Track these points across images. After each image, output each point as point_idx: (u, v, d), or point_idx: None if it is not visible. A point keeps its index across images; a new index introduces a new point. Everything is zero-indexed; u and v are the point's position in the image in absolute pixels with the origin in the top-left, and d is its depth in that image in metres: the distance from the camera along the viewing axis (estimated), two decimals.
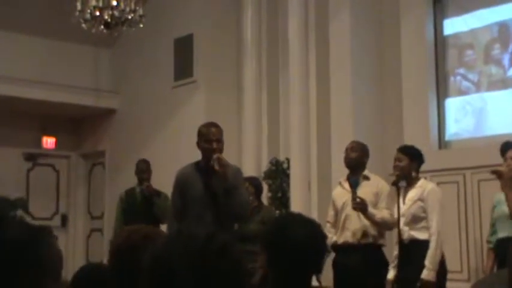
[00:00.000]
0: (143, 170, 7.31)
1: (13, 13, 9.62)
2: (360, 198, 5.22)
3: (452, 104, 7.81)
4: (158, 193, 7.21)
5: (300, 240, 2.29)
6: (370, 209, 5.23)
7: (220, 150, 4.70)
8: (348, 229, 5.39)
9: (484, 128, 7.54)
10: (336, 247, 5.40)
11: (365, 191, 5.36)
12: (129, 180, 7.97)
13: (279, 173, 8.48)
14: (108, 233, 10.02)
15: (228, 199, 4.66)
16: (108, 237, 9.88)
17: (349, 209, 5.35)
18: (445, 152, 7.67)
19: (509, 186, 4.87)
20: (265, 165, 8.65)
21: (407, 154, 5.32)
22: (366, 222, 5.30)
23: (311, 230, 2.35)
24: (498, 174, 4.93)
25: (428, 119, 7.68)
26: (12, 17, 9.66)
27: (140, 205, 7.11)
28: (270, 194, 8.44)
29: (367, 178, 5.50)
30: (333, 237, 5.38)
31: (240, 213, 4.83)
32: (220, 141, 4.72)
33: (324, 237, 2.45)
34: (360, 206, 5.20)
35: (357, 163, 5.54)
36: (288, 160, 8.38)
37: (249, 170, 8.31)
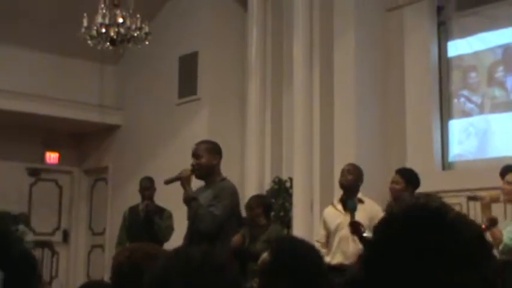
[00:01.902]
0: (145, 187, 7.25)
1: (19, 28, 9.67)
2: (358, 222, 5.23)
3: (455, 125, 7.82)
4: (162, 210, 7.16)
5: (301, 266, 2.29)
6: (367, 234, 5.23)
7: (197, 165, 4.88)
8: (343, 251, 5.39)
9: (488, 149, 7.55)
10: (329, 269, 5.37)
11: (360, 214, 5.35)
12: (132, 196, 7.97)
13: (281, 192, 8.47)
14: (109, 249, 10.00)
15: (190, 212, 4.84)
16: (109, 254, 9.87)
17: (344, 232, 5.34)
18: (448, 173, 7.66)
19: (488, 211, 4.99)
20: (268, 184, 8.64)
21: (405, 177, 5.34)
22: (360, 245, 5.29)
23: (312, 256, 2.35)
24: (477, 200, 5.02)
25: (431, 140, 7.69)
26: (17, 32, 9.71)
27: (142, 223, 7.06)
28: (272, 213, 8.42)
29: (361, 201, 5.51)
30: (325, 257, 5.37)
31: (199, 227, 4.76)
32: (198, 157, 4.90)
33: (323, 263, 2.45)
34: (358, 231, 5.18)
35: (353, 185, 5.56)
36: (290, 179, 8.37)
37: (251, 188, 8.30)
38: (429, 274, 1.05)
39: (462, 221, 1.11)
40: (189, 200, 4.82)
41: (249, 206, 6.12)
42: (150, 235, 6.65)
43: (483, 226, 5.09)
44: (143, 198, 7.22)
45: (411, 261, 1.07)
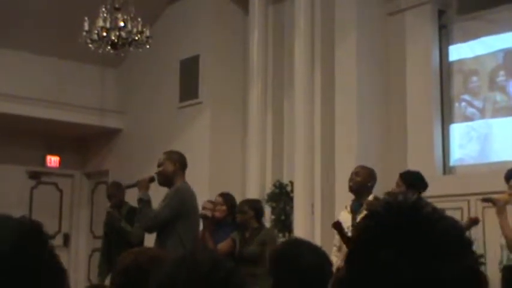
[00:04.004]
0: (111, 194, 7.07)
1: (19, 32, 9.67)
2: (340, 222, 5.22)
3: (457, 129, 7.81)
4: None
5: (308, 266, 2.29)
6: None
7: (158, 172, 5.36)
8: None
9: (489, 154, 7.55)
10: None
11: None
12: (132, 200, 7.94)
13: (282, 196, 8.47)
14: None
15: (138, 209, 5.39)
16: None
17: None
18: (449, 178, 7.66)
19: (502, 213, 5.00)
20: (269, 188, 8.63)
21: (405, 181, 5.35)
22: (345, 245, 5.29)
23: (318, 256, 2.36)
24: (492, 202, 5.04)
25: (433, 145, 7.69)
26: (18, 36, 9.71)
27: (114, 229, 6.93)
28: (273, 217, 8.42)
29: None
30: (337, 261, 5.36)
31: (141, 223, 5.48)
32: (159, 165, 5.37)
33: (330, 263, 2.46)
34: None
35: (360, 188, 5.54)
36: (291, 183, 8.37)
37: (252, 192, 8.31)
38: (408, 267, 1.07)
39: (438, 214, 1.14)
40: (137, 200, 5.33)
41: (240, 210, 6.09)
42: (120, 240, 6.57)
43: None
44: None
45: (389, 255, 1.08)
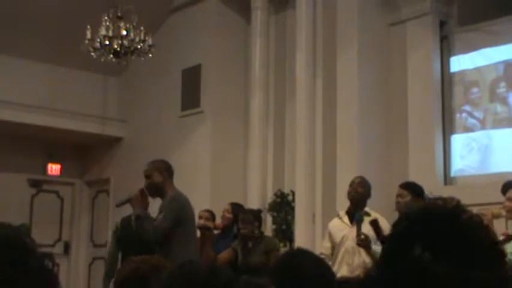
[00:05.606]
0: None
1: (22, 40, 9.70)
2: (364, 234, 5.20)
3: (457, 140, 7.83)
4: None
5: (310, 277, 2.29)
6: (373, 246, 5.22)
7: (147, 185, 5.27)
8: (347, 264, 5.37)
9: (489, 165, 7.56)
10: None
11: (366, 227, 5.34)
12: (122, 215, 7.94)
13: (283, 205, 8.47)
14: None
15: (138, 226, 5.25)
16: None
17: (348, 244, 5.33)
18: (450, 188, 7.65)
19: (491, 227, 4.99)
20: (270, 197, 8.64)
21: (410, 190, 5.32)
22: (366, 258, 5.28)
23: (320, 267, 2.36)
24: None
25: (434, 155, 7.70)
26: (21, 44, 9.73)
27: (136, 234, 6.93)
28: (274, 226, 8.42)
29: (368, 214, 5.49)
30: None
31: (143, 238, 5.28)
32: (148, 177, 5.30)
33: (332, 274, 2.46)
34: (365, 243, 5.17)
35: (361, 198, 5.54)
36: (292, 192, 8.38)
37: (253, 201, 8.31)
38: (441, 269, 1.09)
39: (476, 223, 1.16)
40: (135, 218, 5.22)
41: (246, 221, 6.03)
42: (143, 245, 6.56)
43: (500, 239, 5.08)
44: None
45: (425, 255, 1.10)
